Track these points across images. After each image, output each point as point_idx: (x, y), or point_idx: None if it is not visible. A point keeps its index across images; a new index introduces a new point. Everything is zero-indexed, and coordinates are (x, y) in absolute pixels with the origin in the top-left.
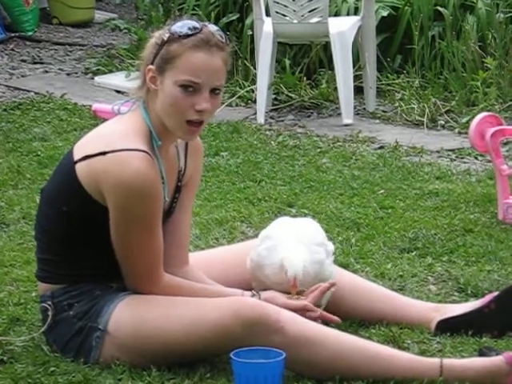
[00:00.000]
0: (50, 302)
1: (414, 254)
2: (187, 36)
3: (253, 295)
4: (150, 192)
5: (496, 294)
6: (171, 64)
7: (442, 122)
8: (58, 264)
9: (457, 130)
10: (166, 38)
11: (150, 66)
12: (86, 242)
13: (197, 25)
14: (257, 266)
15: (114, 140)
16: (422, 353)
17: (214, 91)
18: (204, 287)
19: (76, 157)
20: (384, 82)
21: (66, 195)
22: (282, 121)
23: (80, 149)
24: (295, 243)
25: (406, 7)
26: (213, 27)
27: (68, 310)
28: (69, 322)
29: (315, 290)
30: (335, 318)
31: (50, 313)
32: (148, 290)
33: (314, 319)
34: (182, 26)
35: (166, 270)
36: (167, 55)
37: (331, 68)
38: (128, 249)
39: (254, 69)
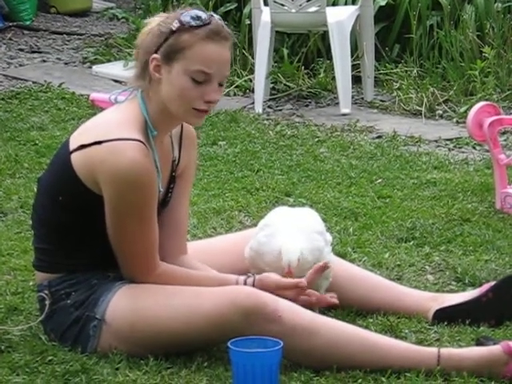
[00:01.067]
0: (47, 292)
1: (411, 243)
2: (198, 27)
3: (247, 277)
4: (144, 181)
5: (493, 283)
6: (181, 54)
7: (440, 112)
8: (55, 253)
9: (455, 120)
10: (175, 28)
11: (155, 55)
12: (82, 232)
13: (206, 15)
14: (257, 253)
15: (109, 129)
16: (420, 342)
17: (221, 82)
18: (199, 274)
19: (72, 146)
20: (382, 72)
21: (62, 185)
22: (280, 110)
23: (76, 138)
24: (295, 230)
25: None
26: (219, 17)
27: (65, 299)
28: (66, 311)
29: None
30: (333, 300)
31: (47, 302)
32: (144, 279)
33: (312, 304)
34: (192, 16)
35: (164, 260)
36: (177, 45)
37: (329, 57)
38: (123, 238)
39: (252, 58)
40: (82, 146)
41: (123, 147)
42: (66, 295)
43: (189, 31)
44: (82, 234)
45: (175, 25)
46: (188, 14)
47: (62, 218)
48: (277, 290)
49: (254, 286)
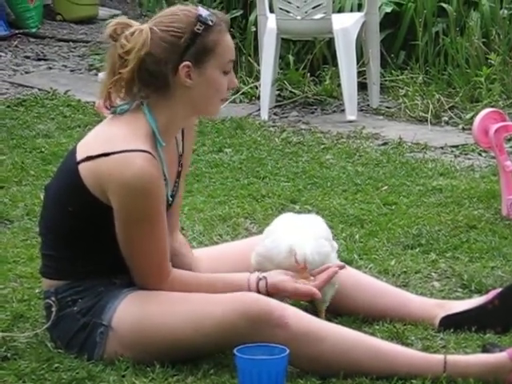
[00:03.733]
0: (53, 298)
1: (417, 250)
2: (216, 23)
3: (259, 279)
4: (153, 191)
5: (500, 290)
6: (213, 52)
7: (446, 118)
8: (62, 260)
9: (460, 126)
10: (200, 30)
11: (185, 63)
12: (90, 239)
13: (208, 10)
14: (264, 258)
15: (116, 141)
16: (426, 349)
17: None
18: (210, 277)
19: (79, 157)
20: (388, 78)
21: (71, 195)
22: (286, 117)
23: (82, 148)
24: (302, 235)
25: (410, 3)
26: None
27: (72, 306)
28: (73, 318)
29: (323, 270)
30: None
31: (53, 309)
32: (157, 287)
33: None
34: (207, 15)
35: None
36: (207, 46)
37: (335, 64)
38: (134, 247)
39: (258, 65)
40: (90, 158)
41: (131, 158)
42: (73, 302)
43: (213, 30)
44: (90, 241)
45: (200, 27)
46: (203, 15)
47: (71, 226)
48: (293, 296)
49: (267, 289)
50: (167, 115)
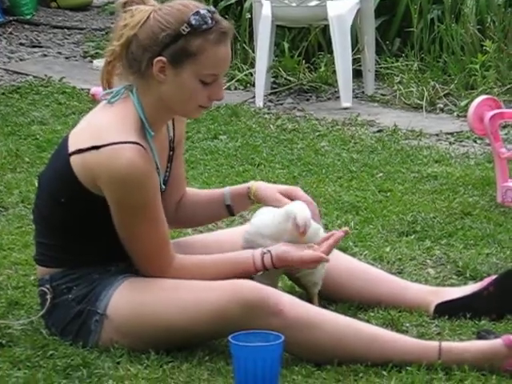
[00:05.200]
0: (48, 286)
1: (412, 237)
2: (208, 29)
3: (264, 253)
4: (145, 182)
5: (494, 277)
6: (193, 58)
7: (441, 106)
8: (56, 248)
9: (456, 114)
10: (185, 32)
11: (161, 58)
12: (84, 228)
13: (210, 15)
14: (255, 233)
15: (106, 133)
16: (421, 336)
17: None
18: (214, 258)
19: (70, 148)
20: (383, 66)
21: (63, 186)
22: (281, 104)
23: (74, 139)
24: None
25: None
26: (214, 11)
27: (67, 294)
28: (67, 305)
29: (327, 238)
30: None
31: (48, 296)
32: (160, 273)
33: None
34: (202, 18)
35: (167, 207)
36: (188, 49)
37: (330, 51)
38: (132, 238)
39: (253, 52)
40: (80, 150)
41: (121, 151)
42: (68, 290)
43: (200, 36)
44: (84, 229)
45: (185, 29)
46: (196, 17)
47: (64, 215)
48: (301, 265)
49: (272, 262)
50: (153, 105)
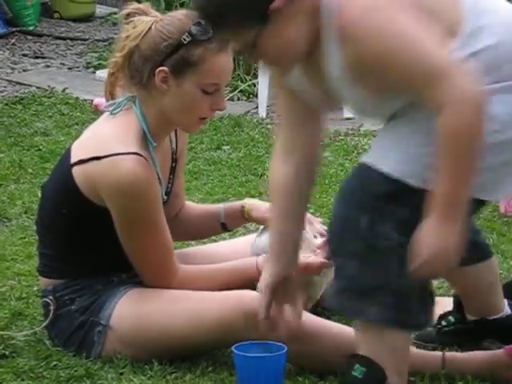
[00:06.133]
0: (51, 297)
1: None
2: (210, 39)
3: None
4: (146, 193)
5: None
6: (194, 67)
7: None
8: (59, 259)
9: None
10: (186, 41)
11: (163, 68)
12: (87, 239)
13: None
14: (262, 249)
15: (107, 144)
16: (424, 346)
17: None
18: (219, 267)
19: (73, 159)
20: None
21: (66, 197)
22: None
23: (76, 150)
24: None
25: None
26: None
27: (70, 305)
28: (71, 316)
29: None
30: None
31: (51, 307)
32: (166, 285)
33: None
34: (202, 27)
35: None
36: (189, 59)
37: None
38: (137, 249)
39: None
40: (82, 161)
41: (121, 161)
42: (71, 301)
43: (201, 45)
44: (87, 241)
45: (186, 38)
46: (197, 27)
47: (66, 226)
48: (305, 270)
49: None
50: (155, 116)
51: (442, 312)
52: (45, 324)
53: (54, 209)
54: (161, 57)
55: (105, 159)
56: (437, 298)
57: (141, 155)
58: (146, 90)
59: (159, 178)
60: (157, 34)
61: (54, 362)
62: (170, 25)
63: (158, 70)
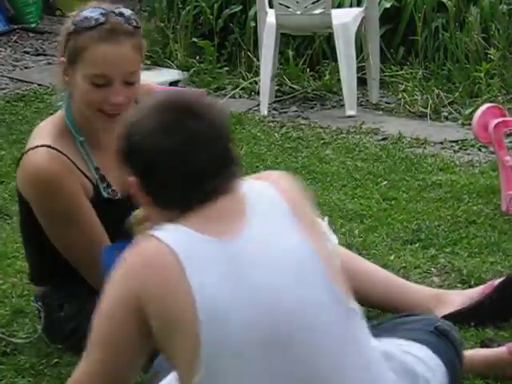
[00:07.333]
0: (40, 303)
1: (417, 245)
2: (91, 28)
3: None
4: (56, 186)
5: (496, 284)
6: (80, 57)
7: (446, 114)
8: (37, 266)
9: (460, 122)
10: (71, 30)
11: (62, 59)
12: (46, 244)
13: (100, 15)
14: None
15: (31, 140)
16: None
17: (127, 81)
18: None
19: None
20: (387, 74)
21: (19, 202)
22: (286, 112)
23: None
24: None
25: None
26: (121, 12)
27: (59, 312)
28: (62, 322)
29: None
30: None
31: (41, 314)
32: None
33: None
34: (86, 16)
35: None
36: (75, 48)
37: (334, 59)
38: (62, 245)
39: (257, 60)
40: (18, 161)
41: (30, 156)
42: (59, 307)
43: (83, 33)
44: (52, 246)
45: (71, 27)
46: (82, 15)
47: (27, 231)
48: None
49: None
50: (77, 109)
51: (442, 314)
52: (39, 333)
53: (20, 216)
54: (62, 48)
55: (24, 155)
56: (437, 292)
57: (53, 148)
58: (67, 84)
59: (85, 175)
60: (64, 26)
61: (55, 360)
62: (76, 14)
63: (60, 61)
